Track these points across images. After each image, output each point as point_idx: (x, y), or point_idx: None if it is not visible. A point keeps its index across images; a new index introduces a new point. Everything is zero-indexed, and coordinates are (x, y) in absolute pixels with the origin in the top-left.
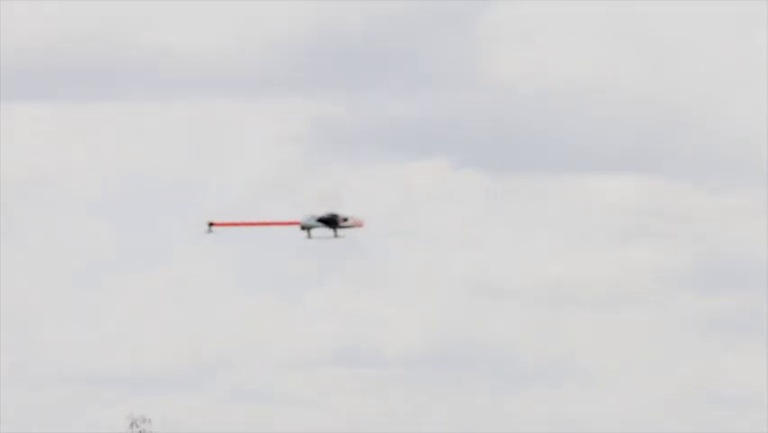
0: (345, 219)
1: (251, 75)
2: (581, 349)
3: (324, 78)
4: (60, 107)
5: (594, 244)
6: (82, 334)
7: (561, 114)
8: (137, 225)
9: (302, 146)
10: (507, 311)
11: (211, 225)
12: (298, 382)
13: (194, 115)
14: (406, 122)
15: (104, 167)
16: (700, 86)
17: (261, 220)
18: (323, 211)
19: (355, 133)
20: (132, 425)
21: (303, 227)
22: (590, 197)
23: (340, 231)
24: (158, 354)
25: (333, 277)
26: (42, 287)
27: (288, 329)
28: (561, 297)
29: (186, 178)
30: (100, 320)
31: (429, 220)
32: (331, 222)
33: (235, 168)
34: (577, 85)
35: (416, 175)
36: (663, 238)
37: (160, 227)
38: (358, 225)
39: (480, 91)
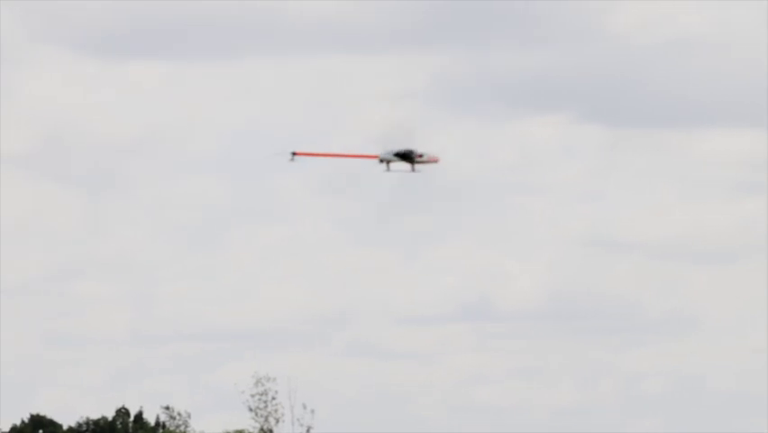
0: (421, 155)
1: (370, 31)
2: (699, 302)
3: (444, 34)
4: (176, 65)
5: (712, 197)
6: (205, 293)
7: (680, 68)
8: (255, 181)
9: (421, 101)
10: (625, 265)
11: (294, 154)
12: (417, 336)
13: (311, 71)
14: (525, 77)
15: (221, 123)
16: None
17: (342, 152)
18: (399, 146)
19: (475, 89)
20: (257, 383)
21: (381, 160)
22: (709, 150)
23: (417, 166)
24: (278, 311)
25: (452, 232)
26: (164, 245)
27: (406, 284)
28: (678, 250)
29: (302, 134)
30: (223, 279)
31: (549, 174)
32: (407, 156)
33: (354, 124)
34: (697, 39)
35: (536, 130)
36: None
37: (277, 184)
38: (433, 160)
39: (601, 46)
